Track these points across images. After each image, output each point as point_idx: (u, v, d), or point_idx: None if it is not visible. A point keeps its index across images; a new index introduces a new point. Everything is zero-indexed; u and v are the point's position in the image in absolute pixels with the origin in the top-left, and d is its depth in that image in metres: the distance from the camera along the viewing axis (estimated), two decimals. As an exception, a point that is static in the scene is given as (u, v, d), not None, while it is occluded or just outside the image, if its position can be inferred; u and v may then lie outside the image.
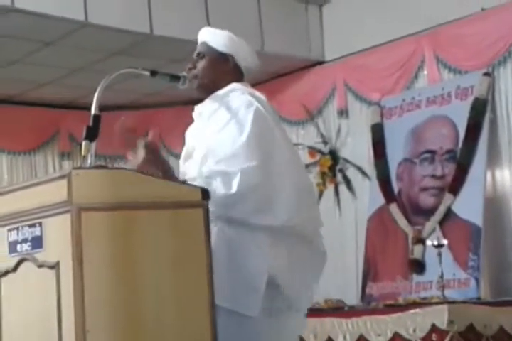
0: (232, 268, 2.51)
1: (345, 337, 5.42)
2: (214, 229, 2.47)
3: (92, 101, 2.48)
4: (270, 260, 2.54)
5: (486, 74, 5.98)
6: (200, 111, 2.79)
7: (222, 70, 2.76)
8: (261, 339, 2.54)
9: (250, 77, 2.84)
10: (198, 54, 2.80)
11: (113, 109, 7.46)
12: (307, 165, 6.53)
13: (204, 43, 2.80)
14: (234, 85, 2.75)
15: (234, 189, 2.47)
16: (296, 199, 2.56)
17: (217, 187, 2.46)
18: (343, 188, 6.87)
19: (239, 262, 2.52)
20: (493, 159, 5.91)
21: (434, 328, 4.99)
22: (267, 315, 2.55)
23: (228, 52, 2.77)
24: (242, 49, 2.80)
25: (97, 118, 2.48)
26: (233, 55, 2.77)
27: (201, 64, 2.77)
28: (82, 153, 2.43)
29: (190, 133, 2.83)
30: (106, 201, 2.23)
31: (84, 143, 2.44)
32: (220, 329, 2.37)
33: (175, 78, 2.68)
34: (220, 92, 2.74)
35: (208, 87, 2.76)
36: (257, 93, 2.74)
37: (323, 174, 6.80)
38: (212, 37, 2.80)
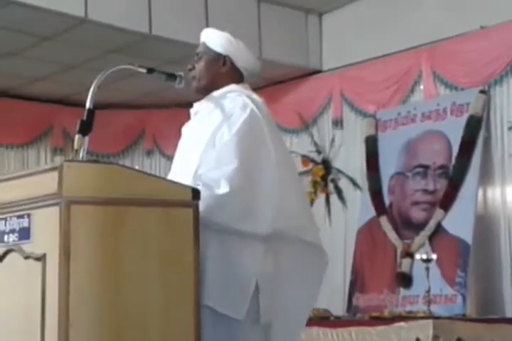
0: (224, 270, 2.48)
1: (329, 347, 5.40)
2: (208, 232, 2.43)
3: (87, 98, 2.45)
4: (260, 265, 2.52)
5: (482, 91, 5.99)
6: (197, 109, 2.78)
7: (219, 71, 2.75)
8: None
9: (248, 83, 2.82)
10: (197, 54, 2.79)
11: (108, 107, 7.47)
12: (299, 174, 6.51)
13: (203, 44, 2.80)
14: (231, 87, 2.74)
15: (217, 194, 2.43)
16: (280, 204, 2.51)
17: (202, 192, 2.40)
18: (334, 198, 6.85)
19: (231, 265, 2.49)
20: (486, 177, 5.92)
21: (418, 342, 4.97)
22: (253, 321, 2.52)
23: (225, 53, 2.75)
24: (239, 50, 2.78)
25: (91, 112, 2.45)
26: (230, 56, 2.75)
27: (199, 64, 2.76)
28: (75, 146, 2.40)
29: (186, 132, 2.81)
30: (96, 195, 2.21)
31: (77, 136, 2.42)
32: (206, 332, 2.34)
33: (171, 77, 2.65)
34: (216, 93, 2.73)
35: (207, 88, 2.75)
36: (255, 95, 2.72)
37: (315, 183, 6.78)
38: (210, 37, 2.79)
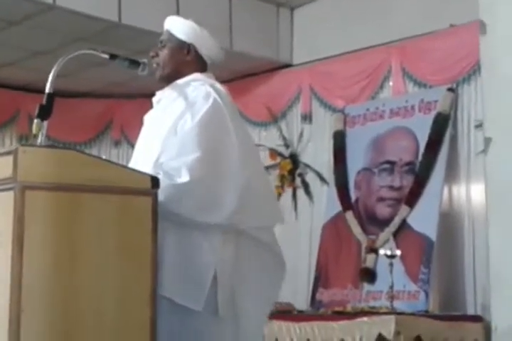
0: (181, 260, 2.46)
1: (292, 341, 5.41)
2: (165, 223, 2.40)
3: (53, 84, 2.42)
4: (218, 256, 2.49)
5: (450, 89, 6.02)
6: (159, 97, 2.75)
7: (183, 59, 2.72)
8: (202, 336, 2.48)
9: (217, 75, 2.79)
10: (161, 42, 2.76)
11: (77, 96, 7.39)
12: (267, 167, 6.51)
13: (167, 31, 2.78)
14: (195, 75, 2.72)
15: (177, 183, 2.41)
16: (242, 195, 2.49)
17: (162, 181, 2.38)
18: (301, 193, 6.87)
19: (188, 256, 2.47)
20: (451, 175, 5.94)
21: (380, 338, 4.99)
22: (212, 313, 2.49)
23: (189, 41, 2.72)
24: (203, 39, 2.75)
25: (50, 96, 2.41)
26: (194, 44, 2.73)
27: (163, 52, 2.73)
28: (33, 131, 2.36)
29: (148, 120, 2.78)
30: (52, 181, 2.18)
31: (35, 121, 2.39)
32: (163, 323, 2.32)
33: (134, 64, 2.62)
34: (180, 81, 2.71)
35: (170, 77, 2.72)
36: (218, 85, 2.70)
37: (282, 177, 6.79)
38: (175, 25, 2.76)
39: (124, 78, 6.88)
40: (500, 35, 3.55)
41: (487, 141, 3.63)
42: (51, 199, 2.17)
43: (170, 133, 2.56)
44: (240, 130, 2.61)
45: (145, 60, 2.64)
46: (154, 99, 2.77)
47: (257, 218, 2.58)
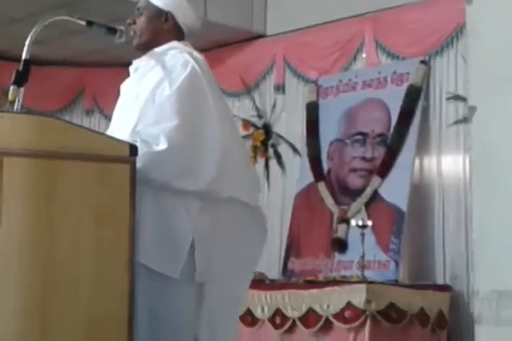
0: (159, 228, 2.47)
1: (263, 309, 5.46)
2: (143, 190, 2.40)
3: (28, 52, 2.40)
4: (196, 224, 2.51)
5: (423, 62, 6.04)
6: (137, 66, 2.74)
7: (160, 27, 2.71)
8: (179, 303, 2.50)
9: (191, 44, 2.78)
10: (138, 9, 2.74)
11: (50, 64, 7.29)
12: (240, 138, 6.51)
13: None
14: (173, 43, 2.71)
15: (155, 151, 2.41)
16: (221, 163, 2.49)
17: (139, 149, 2.37)
18: (273, 163, 6.89)
19: (166, 224, 2.48)
20: (423, 146, 6.00)
21: (348, 306, 5.06)
22: (188, 280, 2.51)
23: (166, 9, 2.71)
24: (181, 7, 2.74)
25: (27, 63, 2.39)
26: (172, 12, 2.71)
27: (140, 20, 2.71)
28: (9, 97, 2.35)
29: (125, 89, 2.77)
30: (30, 148, 2.17)
31: (12, 87, 2.38)
32: (140, 290, 2.33)
33: (111, 31, 2.61)
34: (158, 49, 2.70)
35: (148, 45, 2.71)
36: (196, 53, 2.69)
37: (255, 148, 6.80)
38: None
39: (98, 46, 6.80)
40: (485, 4, 3.60)
41: (471, 109, 3.69)
42: (29, 166, 2.17)
43: (147, 101, 2.56)
44: (217, 98, 2.62)
45: (122, 27, 2.63)
46: (131, 68, 2.76)
47: (238, 186, 2.60)
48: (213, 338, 2.59)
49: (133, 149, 2.31)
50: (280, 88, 6.93)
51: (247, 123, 6.92)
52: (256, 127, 6.93)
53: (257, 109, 7.01)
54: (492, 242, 3.61)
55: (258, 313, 5.48)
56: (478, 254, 3.70)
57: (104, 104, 7.42)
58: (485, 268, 3.61)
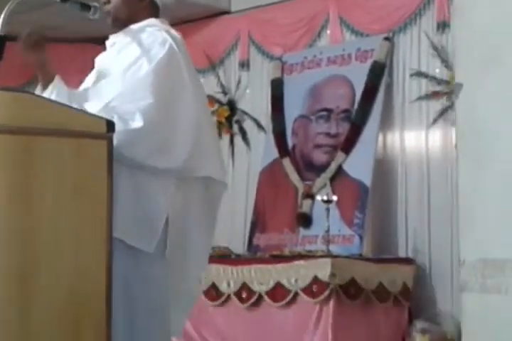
0: (135, 204, 2.49)
1: (229, 284, 5.52)
2: (120, 167, 2.42)
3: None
4: (171, 201, 2.54)
5: (387, 38, 6.10)
6: (113, 41, 2.72)
7: (137, 5, 2.69)
8: (149, 277, 2.54)
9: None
10: None
11: (13, 39, 7.17)
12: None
13: None
14: (150, 20, 2.69)
15: (131, 128, 2.42)
16: (196, 141, 2.53)
17: (116, 126, 2.37)
18: (238, 139, 6.92)
19: (142, 199, 2.50)
20: (386, 122, 6.07)
21: (315, 280, 5.14)
22: (160, 254, 2.55)
23: None
24: None
25: (2, 39, 2.38)
26: None
27: None
28: (-16, 74, 2.33)
29: (100, 62, 2.76)
30: (6, 124, 2.16)
31: (-14, 64, 2.35)
32: (117, 265, 2.35)
33: (86, 7, 2.59)
34: (134, 26, 2.67)
35: (123, 22, 2.68)
36: (173, 31, 2.69)
37: (219, 124, 6.81)
38: None
39: (63, 22, 6.72)
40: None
41: (458, 86, 3.78)
42: (6, 143, 2.16)
43: (123, 77, 2.56)
44: (193, 77, 2.64)
45: (96, 4, 2.61)
46: (108, 43, 2.74)
47: (211, 163, 2.63)
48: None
49: (110, 125, 2.31)
50: (245, 64, 6.94)
51: (211, 100, 6.90)
52: (221, 103, 6.94)
53: (221, 85, 7.02)
54: (477, 213, 3.71)
55: (223, 287, 5.54)
56: (464, 224, 3.81)
57: (66, 79, 7.31)
58: (471, 238, 3.72)
